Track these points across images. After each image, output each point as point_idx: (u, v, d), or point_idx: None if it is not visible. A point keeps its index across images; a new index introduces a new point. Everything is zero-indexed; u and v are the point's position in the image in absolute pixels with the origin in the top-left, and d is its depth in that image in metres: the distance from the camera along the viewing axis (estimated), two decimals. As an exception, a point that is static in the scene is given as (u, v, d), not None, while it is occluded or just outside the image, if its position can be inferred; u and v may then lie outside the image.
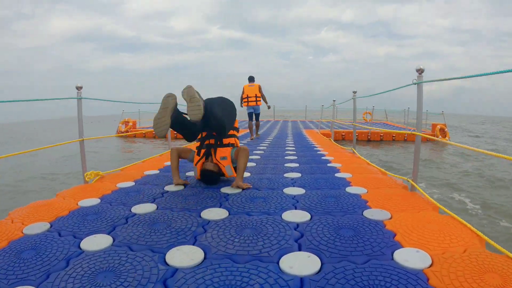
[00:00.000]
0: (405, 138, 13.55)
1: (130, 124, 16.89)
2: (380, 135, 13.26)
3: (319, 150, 5.49)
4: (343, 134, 12.93)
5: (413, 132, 2.71)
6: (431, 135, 13.99)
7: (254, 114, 7.75)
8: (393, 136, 13.42)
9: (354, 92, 5.33)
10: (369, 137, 13.17)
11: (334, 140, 8.18)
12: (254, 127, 8.01)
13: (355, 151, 5.22)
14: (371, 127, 13.68)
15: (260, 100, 7.56)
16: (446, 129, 13.90)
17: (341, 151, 5.65)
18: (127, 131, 16.14)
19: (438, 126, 13.76)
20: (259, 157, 4.63)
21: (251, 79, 7.60)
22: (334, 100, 9.35)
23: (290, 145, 6.46)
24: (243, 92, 7.56)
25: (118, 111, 17.61)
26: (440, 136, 13.67)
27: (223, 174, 2.85)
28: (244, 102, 7.58)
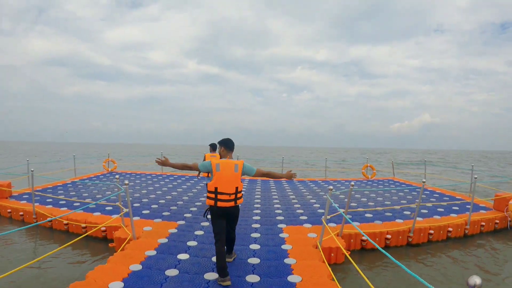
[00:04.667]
0: (466, 231, 7.46)
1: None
2: (429, 233, 7.03)
3: None
4: (364, 242, 6.60)
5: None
6: (499, 214, 8.18)
7: None
8: (449, 230, 7.26)
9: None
10: (410, 239, 6.89)
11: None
12: None
13: None
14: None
15: None
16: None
17: None
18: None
19: (511, 202, 7.83)
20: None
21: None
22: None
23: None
24: None
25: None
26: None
27: None
28: None
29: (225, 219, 4.11)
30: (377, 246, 3.20)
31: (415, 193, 10.56)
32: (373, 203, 8.94)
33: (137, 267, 4.27)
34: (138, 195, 9.74)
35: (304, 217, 7.28)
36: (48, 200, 8.84)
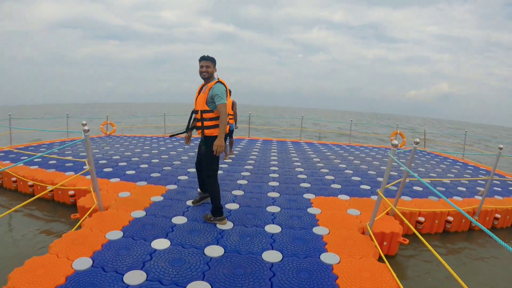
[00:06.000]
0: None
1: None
2: (495, 218, 5.24)
3: None
4: (420, 224, 4.82)
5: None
6: None
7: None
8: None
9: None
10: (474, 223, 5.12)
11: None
12: (228, 144, 7.50)
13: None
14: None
15: (232, 118, 6.66)
16: None
17: None
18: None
19: None
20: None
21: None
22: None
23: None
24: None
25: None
26: None
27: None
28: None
29: None
30: (488, 231, 1.45)
31: (458, 166, 8.64)
32: (416, 173, 7.16)
33: (85, 263, 2.61)
34: (129, 153, 8.11)
35: (337, 186, 5.53)
36: (22, 158, 7.32)
